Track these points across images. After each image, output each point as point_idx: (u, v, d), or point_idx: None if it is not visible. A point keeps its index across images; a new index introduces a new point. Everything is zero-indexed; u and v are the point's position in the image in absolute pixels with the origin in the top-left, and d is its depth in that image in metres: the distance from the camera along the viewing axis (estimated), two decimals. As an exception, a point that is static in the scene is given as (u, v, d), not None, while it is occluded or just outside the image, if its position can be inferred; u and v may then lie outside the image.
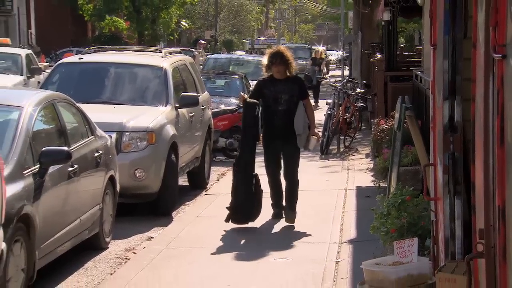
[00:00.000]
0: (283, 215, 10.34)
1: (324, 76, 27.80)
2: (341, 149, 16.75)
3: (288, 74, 10.40)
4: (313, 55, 28.21)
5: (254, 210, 10.36)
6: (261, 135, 10.57)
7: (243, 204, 10.32)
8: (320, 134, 17.45)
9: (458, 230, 4.98)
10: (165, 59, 13.13)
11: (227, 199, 11.03)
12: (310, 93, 25.50)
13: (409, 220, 6.61)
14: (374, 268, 5.38)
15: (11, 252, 6.80)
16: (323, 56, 28.53)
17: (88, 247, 9.12)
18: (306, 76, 24.82)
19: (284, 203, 10.55)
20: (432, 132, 6.14)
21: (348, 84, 20.42)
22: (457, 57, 5.11)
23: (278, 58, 10.24)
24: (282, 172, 10.67)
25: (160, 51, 14.45)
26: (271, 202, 10.60)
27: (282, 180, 10.67)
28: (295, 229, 9.81)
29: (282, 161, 10.59)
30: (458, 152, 5.08)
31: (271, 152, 10.43)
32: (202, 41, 49.07)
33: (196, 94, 13.11)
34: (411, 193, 7.20)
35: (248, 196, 10.33)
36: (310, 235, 9.46)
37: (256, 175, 10.50)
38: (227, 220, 10.04)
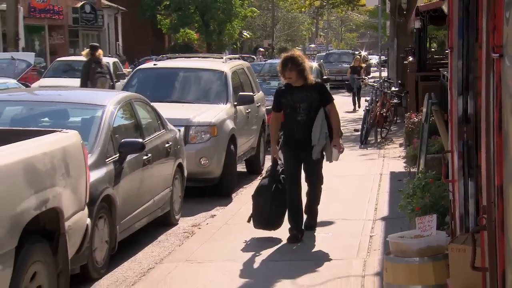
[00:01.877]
0: (300, 239, 8.08)
1: (364, 78, 27.24)
2: (378, 140, 16.61)
3: (306, 80, 7.98)
4: (352, 64, 26.76)
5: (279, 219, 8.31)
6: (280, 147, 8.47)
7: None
8: (359, 127, 17.48)
9: (471, 208, 4.94)
10: (225, 64, 13.21)
11: None
12: (349, 99, 24.50)
13: (431, 200, 6.58)
14: (399, 241, 5.36)
15: (96, 227, 6.99)
16: (362, 64, 27.33)
17: (161, 223, 9.23)
18: (346, 85, 24.47)
19: (303, 224, 8.30)
20: (450, 123, 6.12)
21: (385, 84, 20.23)
22: (469, 58, 5.08)
23: (288, 63, 7.91)
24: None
25: (221, 57, 14.58)
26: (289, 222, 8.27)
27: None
28: (335, 209, 9.57)
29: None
30: (471, 140, 5.05)
31: (291, 167, 8.12)
32: (261, 49, 49.21)
33: (252, 93, 13.15)
34: (433, 176, 7.19)
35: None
36: (349, 213, 9.30)
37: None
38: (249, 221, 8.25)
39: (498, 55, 3.05)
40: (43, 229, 5.47)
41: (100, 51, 16.58)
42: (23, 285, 5.11)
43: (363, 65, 29.03)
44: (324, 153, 7.98)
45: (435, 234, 5.26)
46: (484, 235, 3.57)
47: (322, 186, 8.30)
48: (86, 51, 17.05)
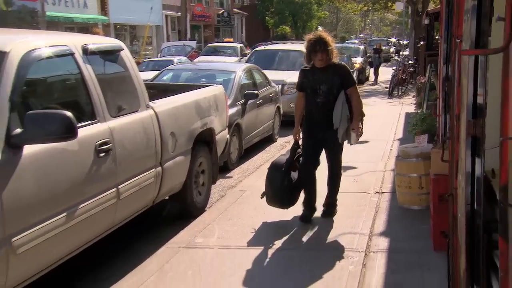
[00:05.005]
0: (310, 220, 5.05)
1: (391, 55, 25.97)
2: (399, 93, 16.36)
3: (330, 62, 4.86)
4: (375, 47, 23.33)
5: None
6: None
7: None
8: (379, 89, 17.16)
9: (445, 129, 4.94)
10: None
11: None
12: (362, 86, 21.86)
13: (426, 127, 6.56)
14: (404, 149, 5.42)
15: (231, 140, 7.22)
16: (382, 47, 25.00)
17: (266, 141, 9.37)
18: (369, 62, 22.29)
19: (316, 205, 5.18)
20: (438, 82, 6.17)
21: (405, 58, 19.80)
22: (450, 42, 4.86)
23: (321, 45, 4.75)
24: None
25: (303, 42, 14.52)
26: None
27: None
28: (370, 133, 9.36)
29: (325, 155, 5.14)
30: (449, 91, 5.09)
31: (309, 147, 5.03)
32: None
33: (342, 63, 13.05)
34: (429, 113, 7.15)
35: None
36: (378, 136, 9.22)
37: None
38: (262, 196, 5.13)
39: (459, 40, 3.14)
40: (205, 139, 5.53)
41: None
42: (195, 168, 5.32)
43: (383, 48, 27.64)
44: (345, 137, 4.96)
45: (426, 145, 5.32)
46: (449, 142, 3.69)
47: (341, 174, 5.21)
48: (228, 39, 17.28)
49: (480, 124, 2.56)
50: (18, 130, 3.00)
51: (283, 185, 4.95)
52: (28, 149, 3.06)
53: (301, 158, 5.10)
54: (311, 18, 47.73)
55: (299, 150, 5.09)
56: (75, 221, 3.42)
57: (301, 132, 5.08)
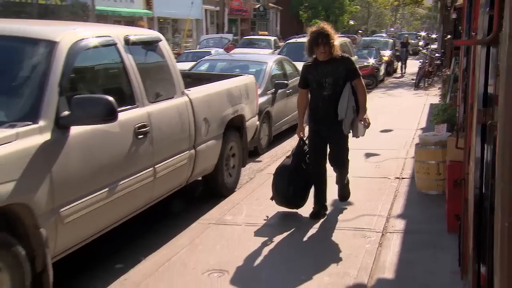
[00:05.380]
0: (322, 214, 4.68)
1: (419, 48, 25.24)
2: (425, 85, 16.00)
3: (332, 55, 4.43)
4: (403, 40, 22.14)
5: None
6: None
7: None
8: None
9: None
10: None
11: None
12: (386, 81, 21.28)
13: (448, 116, 6.36)
14: (424, 137, 5.40)
15: (261, 126, 7.21)
16: (410, 41, 23.59)
17: (295, 128, 9.40)
18: (396, 56, 21.39)
19: (327, 200, 4.80)
20: (460, 73, 6.09)
21: (433, 52, 19.33)
22: (470, 35, 4.87)
23: (323, 37, 4.33)
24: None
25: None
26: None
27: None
28: (396, 122, 9.28)
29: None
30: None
31: (316, 141, 4.62)
32: (360, 31, 47.41)
33: (349, 56, 12.88)
34: (450, 104, 7.03)
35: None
36: (402, 125, 9.14)
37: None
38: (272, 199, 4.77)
39: (474, 33, 3.18)
40: (236, 125, 5.56)
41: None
42: (226, 151, 5.38)
43: (411, 41, 26.65)
44: (351, 129, 4.52)
45: (444, 134, 5.26)
46: (464, 130, 3.67)
47: (348, 167, 4.82)
48: (263, 32, 17.23)
49: (490, 113, 2.56)
50: (66, 113, 3.13)
51: (289, 194, 4.61)
52: (75, 130, 3.19)
53: (307, 157, 4.68)
54: (343, 13, 47.03)
55: (306, 147, 4.69)
56: (115, 196, 3.55)
57: (305, 130, 4.70)
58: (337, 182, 4.93)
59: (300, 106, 4.76)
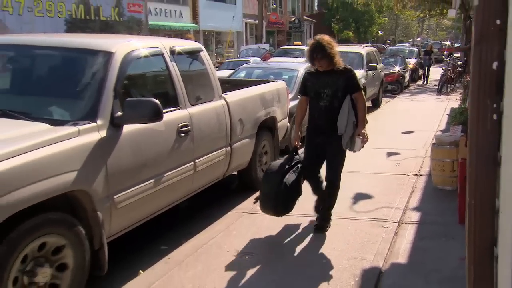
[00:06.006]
0: (326, 229, 4.18)
1: (443, 56, 24.59)
2: (448, 91, 15.70)
3: (334, 66, 3.94)
4: (426, 49, 21.03)
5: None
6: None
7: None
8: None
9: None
10: (363, 49, 12.81)
11: (387, 112, 10.70)
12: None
13: (464, 119, 6.21)
14: (440, 137, 5.34)
15: (292, 128, 6.73)
16: (433, 49, 21.92)
17: None
18: (419, 63, 20.57)
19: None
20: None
21: (455, 59, 18.83)
22: None
23: (319, 53, 3.88)
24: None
25: (361, 45, 14.27)
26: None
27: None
28: (417, 124, 9.18)
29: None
30: None
31: (311, 152, 4.08)
32: (389, 41, 46.67)
33: (376, 64, 12.59)
34: (466, 107, 6.88)
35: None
36: (423, 126, 9.02)
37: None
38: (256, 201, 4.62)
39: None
40: (268, 126, 5.55)
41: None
42: (259, 149, 5.39)
43: (435, 50, 25.84)
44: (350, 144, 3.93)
45: (459, 134, 5.20)
46: None
47: (339, 186, 4.10)
48: (297, 42, 17.09)
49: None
50: (119, 113, 3.27)
51: (279, 189, 3.89)
52: (126, 128, 3.32)
53: (299, 166, 4.01)
54: (372, 24, 46.52)
55: (297, 157, 4.07)
56: (160, 187, 3.65)
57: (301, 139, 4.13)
58: (321, 208, 4.15)
59: (298, 114, 4.21)
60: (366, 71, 11.70)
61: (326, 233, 4.16)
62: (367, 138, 3.97)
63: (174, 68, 4.11)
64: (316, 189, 4.20)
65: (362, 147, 3.96)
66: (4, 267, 2.57)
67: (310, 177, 4.13)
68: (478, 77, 1.22)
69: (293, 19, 43.15)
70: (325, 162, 4.07)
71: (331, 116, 3.93)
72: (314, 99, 4.03)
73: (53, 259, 2.88)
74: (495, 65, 1.12)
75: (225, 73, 9.98)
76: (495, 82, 1.16)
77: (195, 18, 28.84)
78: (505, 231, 1.48)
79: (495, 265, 1.54)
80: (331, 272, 3.43)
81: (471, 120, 1.37)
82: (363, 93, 4.00)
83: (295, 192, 4.02)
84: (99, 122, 3.18)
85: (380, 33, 57.18)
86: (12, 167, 2.59)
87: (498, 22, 1.07)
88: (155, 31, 23.31)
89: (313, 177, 4.15)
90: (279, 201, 3.96)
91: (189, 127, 4.02)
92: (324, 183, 4.15)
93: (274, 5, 39.46)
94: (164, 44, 4.21)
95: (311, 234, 4.14)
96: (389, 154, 6.99)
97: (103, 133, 3.18)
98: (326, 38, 3.90)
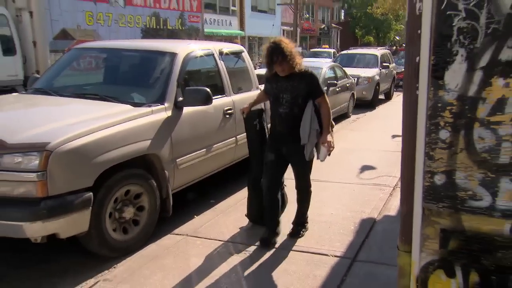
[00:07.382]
0: (272, 243, 3.06)
1: None
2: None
3: (293, 70, 2.83)
4: None
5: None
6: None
7: (257, 216, 3.37)
8: None
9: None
10: (377, 51, 12.56)
11: (398, 104, 10.43)
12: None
13: None
14: None
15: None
16: None
17: (342, 117, 9.14)
18: None
19: (279, 226, 3.20)
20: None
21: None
22: None
23: (278, 55, 2.75)
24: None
25: (377, 48, 13.93)
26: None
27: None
28: None
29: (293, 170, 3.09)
30: None
31: (272, 163, 3.01)
32: (404, 45, 45.05)
33: (389, 63, 12.32)
34: None
35: (261, 211, 3.26)
36: None
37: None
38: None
39: None
40: None
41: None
42: None
43: None
44: (315, 153, 2.97)
45: None
46: None
47: (311, 191, 3.21)
48: (325, 45, 16.73)
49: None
50: (181, 98, 3.53)
51: (255, 209, 3.24)
52: (186, 110, 3.57)
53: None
54: (390, 30, 45.05)
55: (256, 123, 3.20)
56: (210, 155, 3.91)
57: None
58: (295, 214, 3.27)
59: (258, 96, 3.30)
60: (380, 70, 11.54)
61: (337, 193, 4.23)
62: (333, 147, 2.93)
63: (221, 65, 4.35)
64: (274, 207, 3.12)
65: (329, 155, 2.92)
66: (103, 204, 2.92)
67: (269, 193, 3.07)
68: (408, 67, 1.50)
69: (323, 26, 42.54)
70: (293, 172, 3.12)
71: (291, 124, 2.93)
72: (273, 103, 3.02)
73: (134, 202, 3.16)
74: (417, 59, 1.40)
75: (264, 71, 10.16)
76: (416, 69, 1.43)
77: (242, 26, 29.19)
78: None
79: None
80: (337, 220, 3.62)
81: (405, 90, 1.59)
82: (326, 97, 2.98)
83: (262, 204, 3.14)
84: (166, 104, 3.42)
85: (397, 38, 55.05)
86: (107, 135, 2.91)
87: (419, 31, 1.34)
88: (210, 37, 23.81)
89: (273, 194, 3.07)
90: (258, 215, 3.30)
91: (232, 110, 4.18)
92: (286, 192, 3.32)
93: (307, 15, 38.98)
94: (214, 46, 4.48)
95: (323, 193, 4.25)
96: (394, 136, 6.98)
97: (169, 113, 3.41)
98: (283, 39, 2.89)
